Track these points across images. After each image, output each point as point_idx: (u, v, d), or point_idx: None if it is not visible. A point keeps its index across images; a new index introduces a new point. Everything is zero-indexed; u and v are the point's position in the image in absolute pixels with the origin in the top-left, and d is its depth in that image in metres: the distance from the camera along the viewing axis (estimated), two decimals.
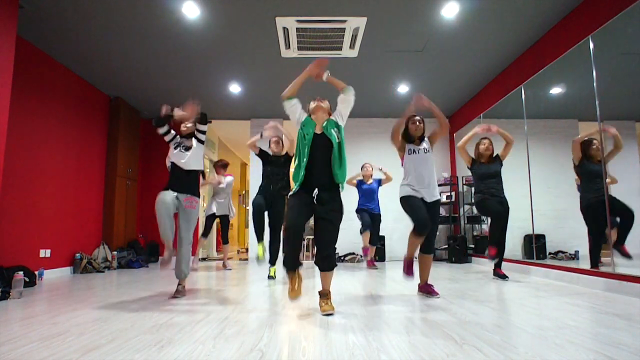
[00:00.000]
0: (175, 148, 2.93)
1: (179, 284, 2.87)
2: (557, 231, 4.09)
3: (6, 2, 3.02)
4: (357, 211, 5.06)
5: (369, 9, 3.47)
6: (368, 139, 6.55)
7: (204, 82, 5.10)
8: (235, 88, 5.32)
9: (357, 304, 2.51)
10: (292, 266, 2.22)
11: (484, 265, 5.10)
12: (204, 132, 3.00)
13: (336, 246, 2.33)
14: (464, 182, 5.87)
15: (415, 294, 2.86)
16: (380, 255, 5.95)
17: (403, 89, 5.39)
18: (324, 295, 2.30)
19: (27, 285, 3.30)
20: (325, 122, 2.35)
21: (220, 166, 5.15)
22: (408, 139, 2.86)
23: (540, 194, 4.12)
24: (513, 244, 4.66)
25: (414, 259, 2.83)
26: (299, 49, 4.13)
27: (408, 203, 2.72)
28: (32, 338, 1.74)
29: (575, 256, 3.90)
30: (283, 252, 2.29)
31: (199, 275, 4.39)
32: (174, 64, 4.53)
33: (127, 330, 1.84)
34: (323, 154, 2.30)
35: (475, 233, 5.75)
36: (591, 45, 3.20)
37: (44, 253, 4.12)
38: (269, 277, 3.78)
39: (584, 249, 3.84)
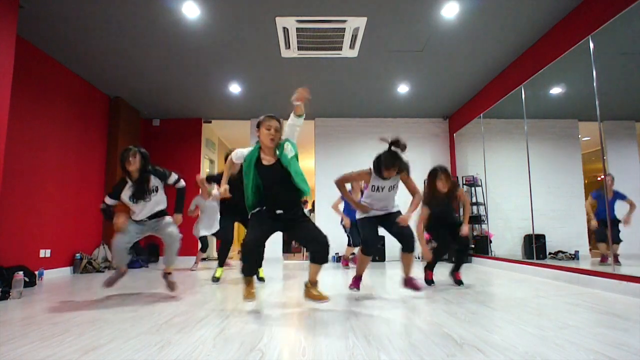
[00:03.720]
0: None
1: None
2: (557, 231, 4.09)
3: (6, 2, 3.02)
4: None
5: (369, 9, 3.47)
6: (369, 138, 6.54)
7: (204, 82, 5.09)
8: (235, 88, 5.32)
9: (357, 304, 2.51)
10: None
11: (484, 265, 5.10)
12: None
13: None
14: (464, 182, 5.87)
15: (416, 295, 2.86)
16: (380, 255, 5.94)
17: (403, 88, 5.39)
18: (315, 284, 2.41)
19: (27, 285, 3.30)
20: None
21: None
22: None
23: (540, 194, 4.12)
24: (513, 243, 4.67)
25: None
26: (299, 49, 4.13)
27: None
28: (32, 338, 1.73)
29: (575, 256, 3.90)
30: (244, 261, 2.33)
31: (199, 275, 4.39)
32: (174, 64, 4.53)
33: (127, 330, 1.84)
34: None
35: (475, 233, 5.74)
36: (591, 45, 3.20)
37: (44, 253, 4.12)
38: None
39: (584, 249, 3.85)
